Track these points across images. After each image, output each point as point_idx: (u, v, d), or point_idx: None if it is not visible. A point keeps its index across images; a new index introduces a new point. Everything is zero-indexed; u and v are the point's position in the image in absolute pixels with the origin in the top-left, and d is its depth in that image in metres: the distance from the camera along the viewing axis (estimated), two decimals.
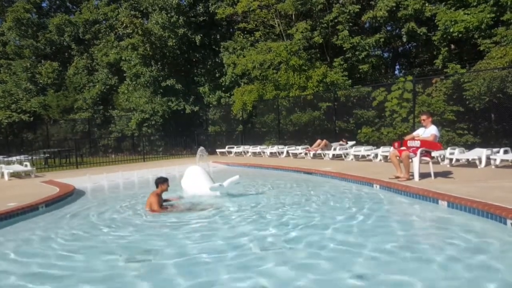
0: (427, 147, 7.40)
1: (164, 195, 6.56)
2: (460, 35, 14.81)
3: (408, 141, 7.61)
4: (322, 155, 13.17)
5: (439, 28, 15.41)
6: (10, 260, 4.17)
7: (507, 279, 3.21)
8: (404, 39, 17.69)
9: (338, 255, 3.90)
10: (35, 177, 11.12)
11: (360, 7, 18.33)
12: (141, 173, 11.31)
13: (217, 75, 21.80)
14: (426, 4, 16.55)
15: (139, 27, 20.48)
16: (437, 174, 7.55)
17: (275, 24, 20.58)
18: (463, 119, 13.22)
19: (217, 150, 17.73)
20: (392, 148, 8.27)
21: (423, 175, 7.35)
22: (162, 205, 6.26)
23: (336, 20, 18.43)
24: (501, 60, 12.46)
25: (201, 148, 9.06)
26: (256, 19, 20.59)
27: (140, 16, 23.20)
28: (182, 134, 20.65)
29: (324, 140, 13.05)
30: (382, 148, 11.64)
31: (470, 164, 9.39)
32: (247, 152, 16.46)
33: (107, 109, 25.86)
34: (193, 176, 7.90)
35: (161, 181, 6.28)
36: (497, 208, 4.69)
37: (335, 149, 12.81)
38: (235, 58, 19.92)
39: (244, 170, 11.59)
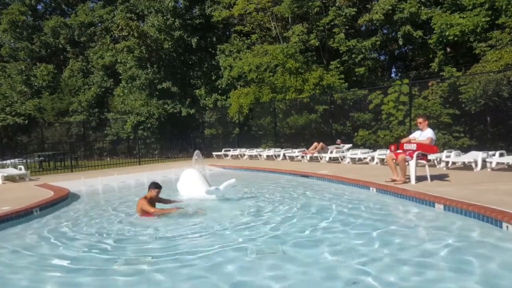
0: (424, 150, 7.40)
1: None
2: (455, 39, 14.87)
3: (405, 144, 7.61)
4: (319, 158, 13.15)
5: (435, 32, 15.47)
6: (5, 264, 4.12)
7: (505, 279, 3.19)
8: (400, 42, 17.75)
9: (333, 259, 3.86)
10: (29, 181, 11.02)
11: (356, 10, 18.39)
12: (136, 177, 11.24)
13: (213, 77, 21.75)
14: (422, 8, 16.63)
15: (135, 30, 20.41)
16: (433, 177, 7.54)
17: (272, 27, 20.60)
18: (459, 122, 13.25)
19: (213, 153, 17.68)
20: (388, 151, 8.27)
21: (420, 178, 7.34)
22: (153, 209, 6.14)
23: (332, 23, 18.48)
24: (496, 63, 12.52)
25: (197, 151, 9.03)
26: (252, 22, 20.61)
27: (136, 18, 23.15)
28: (178, 137, 20.56)
29: (321, 143, 13.04)
30: (378, 151, 11.63)
31: (466, 167, 9.41)
32: (244, 155, 16.41)
33: (102, 112, 25.74)
34: (189, 179, 7.86)
35: (153, 187, 6.20)
36: (493, 211, 4.70)
37: (331, 152, 12.79)
38: (231, 60, 19.91)
39: (241, 173, 11.55)
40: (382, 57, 21.77)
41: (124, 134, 23.37)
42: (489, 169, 8.85)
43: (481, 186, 6.67)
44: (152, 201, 6.16)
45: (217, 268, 3.73)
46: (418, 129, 7.87)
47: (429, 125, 7.82)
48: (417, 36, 16.79)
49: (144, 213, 6.00)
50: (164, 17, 20.74)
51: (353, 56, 18.29)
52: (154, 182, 6.33)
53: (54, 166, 16.68)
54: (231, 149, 17.33)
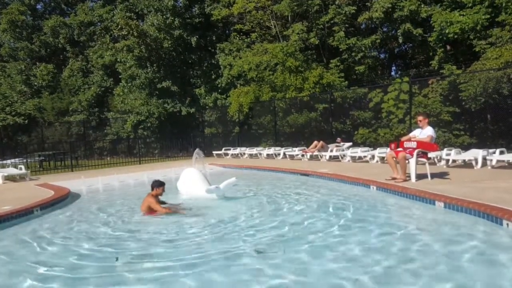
0: (424, 148, 7.39)
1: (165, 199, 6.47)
2: (455, 36, 14.85)
3: (405, 142, 7.60)
4: (319, 156, 13.15)
5: (434, 29, 15.46)
6: (6, 264, 4.12)
7: (504, 277, 3.20)
8: (400, 40, 17.73)
9: (332, 261, 3.85)
10: (29, 180, 11.02)
11: (356, 8, 18.37)
12: (136, 176, 11.24)
13: (213, 76, 21.75)
14: (422, 5, 16.60)
15: (135, 29, 20.40)
16: (433, 175, 7.54)
17: (271, 25, 20.58)
18: (459, 120, 13.26)
19: (214, 152, 17.67)
20: (388, 149, 8.25)
21: (420, 176, 7.34)
22: (158, 207, 6.14)
23: (332, 21, 18.46)
24: (497, 61, 12.50)
25: (198, 150, 9.02)
26: (252, 21, 20.58)
27: (135, 17, 23.14)
28: (178, 136, 20.57)
29: (321, 142, 13.03)
30: (378, 149, 11.62)
31: (467, 164, 9.39)
32: (244, 154, 16.40)
33: (102, 111, 25.73)
34: (189, 178, 7.85)
35: (157, 185, 6.18)
36: (493, 208, 4.69)
37: (332, 151, 12.78)
38: (231, 59, 19.89)
39: (241, 172, 11.54)
40: (382, 55, 21.75)
41: (124, 133, 23.37)
42: (489, 167, 8.85)
43: (481, 184, 6.66)
44: (157, 199, 6.15)
45: (218, 267, 3.74)
46: (418, 127, 7.87)
47: (429, 123, 7.81)
48: (417, 34, 16.77)
49: (149, 211, 5.98)
50: (164, 16, 20.71)
51: (353, 54, 18.27)
52: (156, 180, 6.31)
53: (54, 166, 16.68)
54: (231, 148, 17.32)
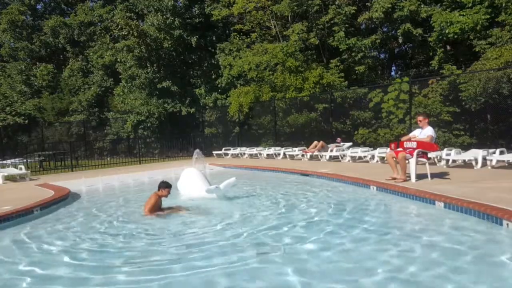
0: (424, 148, 7.40)
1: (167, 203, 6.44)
2: (455, 36, 14.86)
3: (405, 142, 7.61)
4: (319, 156, 13.15)
5: (434, 29, 15.46)
6: (6, 263, 4.12)
7: (504, 278, 3.20)
8: (400, 40, 17.73)
9: (332, 262, 3.85)
10: (30, 180, 11.02)
11: (356, 8, 18.37)
12: (137, 176, 11.25)
13: (213, 76, 21.74)
14: (422, 6, 16.60)
15: (135, 29, 20.40)
16: (433, 175, 7.54)
17: (271, 25, 20.58)
18: (459, 120, 13.26)
19: (214, 152, 17.67)
20: (388, 149, 8.26)
21: (420, 176, 7.34)
22: (160, 208, 6.13)
23: (332, 22, 18.46)
24: (497, 61, 12.50)
25: (198, 150, 9.03)
26: (252, 21, 20.58)
27: (135, 17, 23.14)
28: (178, 136, 20.56)
29: (321, 142, 13.04)
30: (378, 149, 11.63)
31: (467, 165, 9.40)
32: (244, 154, 16.40)
33: (102, 111, 25.73)
34: (189, 178, 7.85)
35: (163, 186, 6.13)
36: (493, 208, 4.70)
37: (332, 151, 12.79)
38: (231, 59, 19.88)
39: (241, 172, 11.54)
40: (382, 55, 21.74)
41: (124, 133, 23.37)
42: (489, 167, 8.85)
43: (481, 184, 6.67)
44: (159, 201, 6.13)
45: (218, 267, 3.74)
46: (418, 127, 7.88)
47: (429, 123, 7.82)
48: (417, 34, 16.76)
49: (151, 210, 5.96)
50: (164, 16, 20.71)
51: (353, 54, 18.28)
52: (164, 181, 6.24)
53: (55, 166, 16.68)
54: (231, 148, 17.33)
